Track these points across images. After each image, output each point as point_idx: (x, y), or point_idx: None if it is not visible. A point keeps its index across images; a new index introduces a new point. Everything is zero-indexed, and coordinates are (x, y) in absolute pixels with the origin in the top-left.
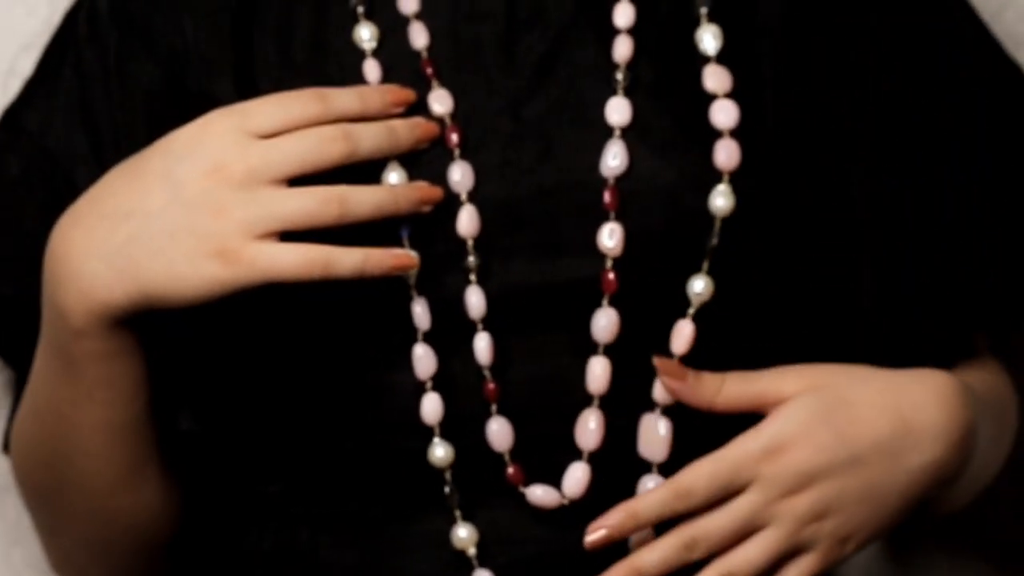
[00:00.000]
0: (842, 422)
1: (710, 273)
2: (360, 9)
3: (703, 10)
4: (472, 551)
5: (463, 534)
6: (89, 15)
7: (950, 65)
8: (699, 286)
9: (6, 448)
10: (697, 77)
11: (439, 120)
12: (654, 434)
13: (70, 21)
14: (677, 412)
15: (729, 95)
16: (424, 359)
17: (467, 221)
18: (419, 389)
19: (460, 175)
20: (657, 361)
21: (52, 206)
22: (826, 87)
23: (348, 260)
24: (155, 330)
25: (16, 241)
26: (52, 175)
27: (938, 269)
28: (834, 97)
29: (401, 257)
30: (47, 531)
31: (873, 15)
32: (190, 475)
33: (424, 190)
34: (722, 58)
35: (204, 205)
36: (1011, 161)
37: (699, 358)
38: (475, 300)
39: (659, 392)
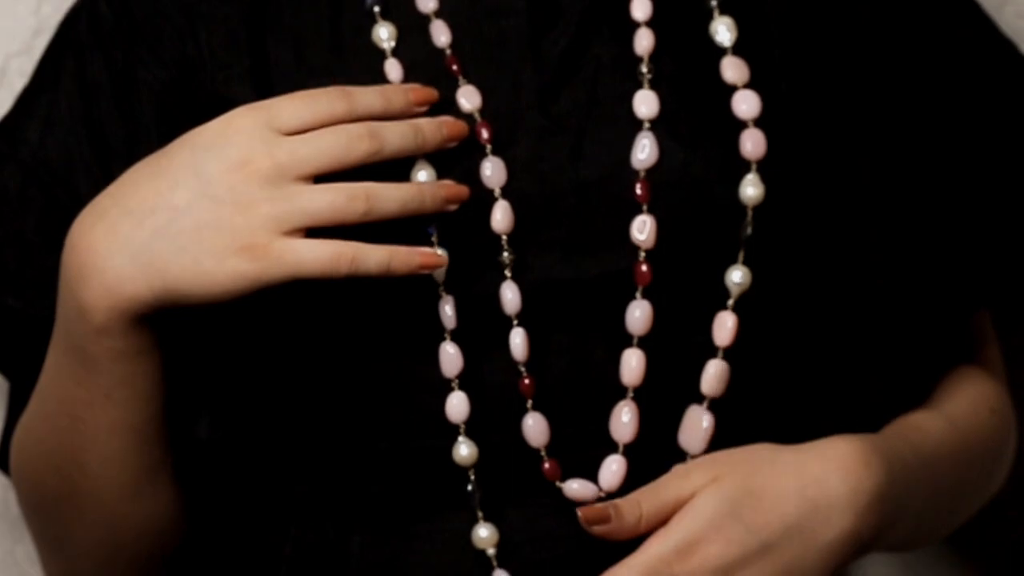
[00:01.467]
0: (748, 511)
1: (746, 263)
2: (376, 9)
3: (714, 2)
4: (491, 551)
5: (483, 534)
6: (90, 23)
7: (957, 54)
8: (737, 276)
9: (3, 464)
10: (715, 69)
11: (468, 116)
12: (696, 426)
13: (68, 27)
14: (720, 406)
15: (748, 85)
16: (452, 357)
17: (501, 217)
18: (447, 387)
19: (492, 171)
20: (581, 513)
21: (53, 217)
22: (836, 79)
23: (374, 257)
24: (177, 330)
25: (16, 252)
26: (53, 184)
27: (949, 254)
28: (844, 89)
29: (428, 255)
30: (50, 543)
31: (881, 6)
32: (203, 483)
33: (451, 188)
34: (738, 49)
35: (231, 200)
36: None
37: (741, 350)
38: (510, 296)
39: (706, 385)
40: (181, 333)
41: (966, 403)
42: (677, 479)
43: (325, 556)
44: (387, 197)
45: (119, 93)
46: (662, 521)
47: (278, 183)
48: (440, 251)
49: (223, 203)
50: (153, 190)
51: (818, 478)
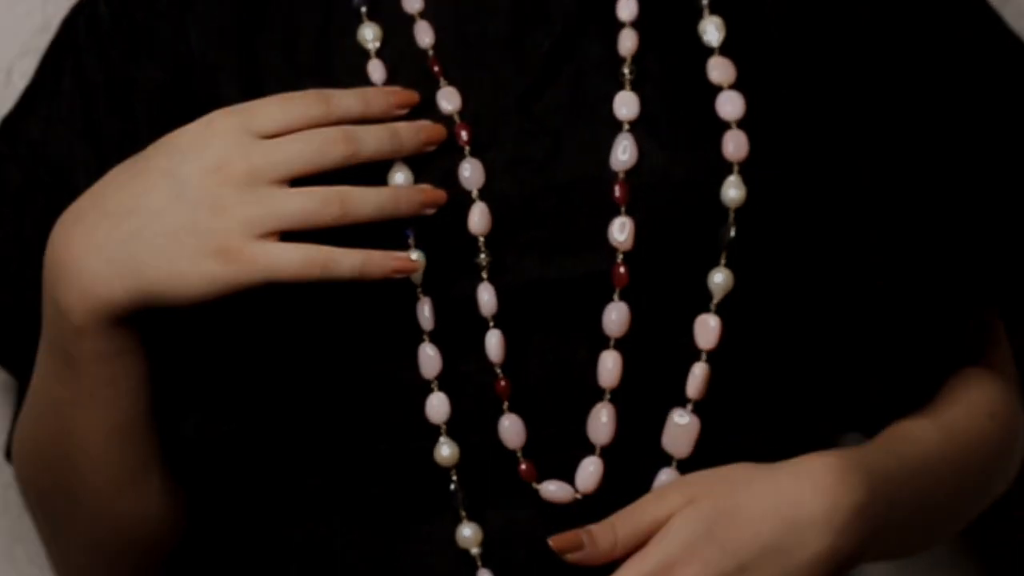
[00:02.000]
0: (724, 533)
1: (728, 265)
2: (363, 9)
3: (704, 1)
4: (476, 551)
5: (467, 533)
6: (89, 22)
7: (961, 54)
8: (720, 278)
9: (8, 455)
10: (702, 69)
11: (448, 118)
12: (681, 429)
13: (68, 28)
14: (702, 408)
15: (734, 86)
16: (431, 359)
17: (478, 219)
18: (427, 388)
19: (470, 172)
20: (552, 542)
21: (53, 214)
22: (837, 79)
23: (347, 262)
24: (158, 330)
25: (17, 250)
26: (53, 183)
27: (950, 255)
28: (845, 88)
29: (402, 260)
30: (51, 536)
31: (884, 5)
32: (194, 482)
33: (427, 193)
34: (726, 49)
35: (206, 203)
36: (1019, 144)
37: (724, 352)
38: (487, 297)
39: (691, 387)
40: (165, 333)
41: (963, 408)
42: (653, 502)
43: (312, 557)
44: (362, 201)
45: (116, 93)
46: (638, 545)
47: (252, 187)
48: (416, 255)
49: (198, 206)
50: (130, 193)
51: (794, 497)
